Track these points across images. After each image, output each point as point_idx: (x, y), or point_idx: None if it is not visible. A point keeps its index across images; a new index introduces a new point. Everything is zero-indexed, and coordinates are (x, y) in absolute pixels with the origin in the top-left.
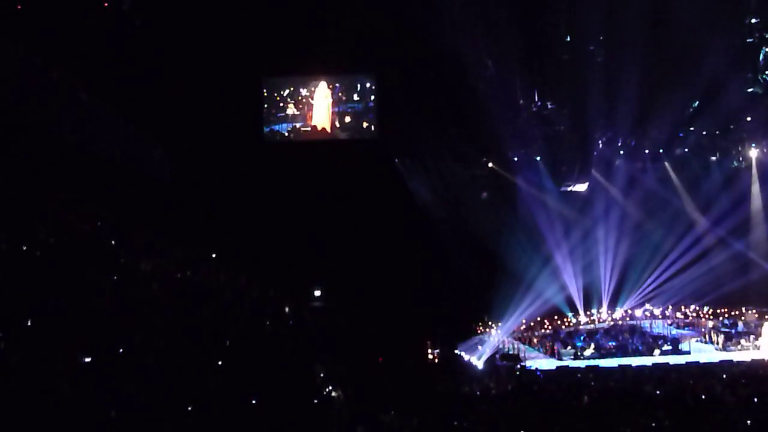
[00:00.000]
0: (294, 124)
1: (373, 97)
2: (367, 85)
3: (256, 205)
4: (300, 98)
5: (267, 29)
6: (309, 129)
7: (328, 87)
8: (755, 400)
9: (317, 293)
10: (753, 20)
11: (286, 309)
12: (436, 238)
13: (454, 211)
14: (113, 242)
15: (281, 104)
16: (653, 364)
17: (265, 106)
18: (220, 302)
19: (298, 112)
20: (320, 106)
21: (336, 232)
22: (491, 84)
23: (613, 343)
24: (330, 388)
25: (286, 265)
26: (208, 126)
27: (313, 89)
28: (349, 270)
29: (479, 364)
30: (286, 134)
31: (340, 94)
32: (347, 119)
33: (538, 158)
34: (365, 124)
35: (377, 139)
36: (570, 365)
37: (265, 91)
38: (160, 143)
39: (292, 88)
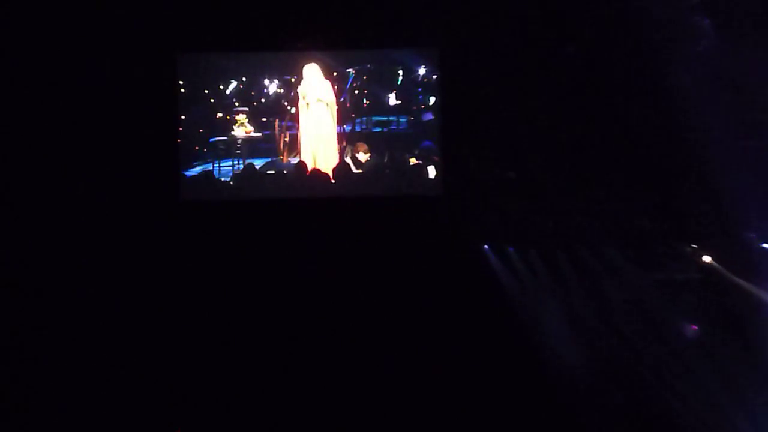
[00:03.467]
0: (251, 160)
1: (432, 101)
2: (420, 71)
3: (163, 332)
4: (263, 100)
5: None
6: (288, 172)
7: (329, 75)
8: None
9: None
10: None
11: None
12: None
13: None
14: None
15: (221, 114)
16: None
17: (183, 118)
18: None
19: (261, 134)
20: (311, 119)
21: (346, 389)
22: (704, 66)
23: None
24: None
25: None
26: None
27: (293, 80)
28: None
29: None
30: (235, 184)
31: (356, 91)
32: (368, 154)
33: None
34: (413, 162)
35: (440, 194)
36: None
37: (183, 84)
38: None
39: (244, 78)
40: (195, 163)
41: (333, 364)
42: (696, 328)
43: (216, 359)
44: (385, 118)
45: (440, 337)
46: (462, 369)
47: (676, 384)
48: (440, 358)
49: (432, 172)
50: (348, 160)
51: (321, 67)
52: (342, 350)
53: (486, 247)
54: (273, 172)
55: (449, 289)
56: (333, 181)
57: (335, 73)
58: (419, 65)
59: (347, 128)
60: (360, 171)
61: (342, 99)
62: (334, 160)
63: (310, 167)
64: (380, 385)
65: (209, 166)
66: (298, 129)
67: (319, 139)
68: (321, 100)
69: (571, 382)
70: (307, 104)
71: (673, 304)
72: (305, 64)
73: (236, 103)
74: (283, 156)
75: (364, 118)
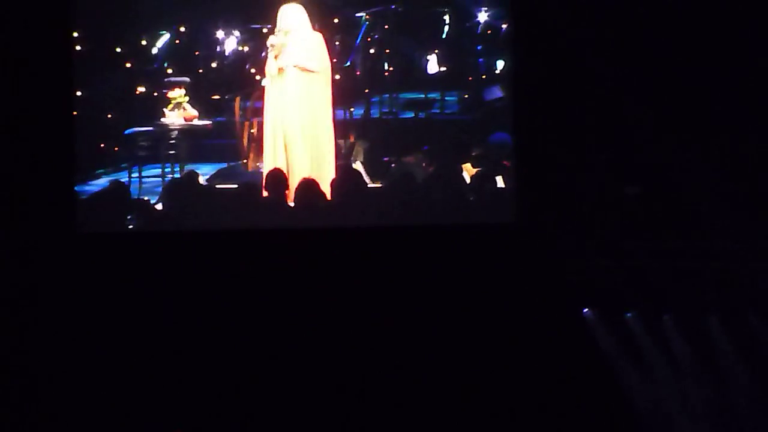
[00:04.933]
0: (194, 166)
1: (500, 66)
2: (480, 16)
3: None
4: (215, 64)
5: None
6: (258, 186)
7: (323, 23)
8: None
9: None
10: None
11: None
12: None
13: None
14: None
15: (144, 89)
16: None
17: (79, 95)
18: None
19: (210, 122)
20: (287, 96)
21: None
22: None
23: None
24: None
25: None
26: None
27: (265, 32)
28: None
29: None
30: (168, 206)
31: (372, 50)
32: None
33: None
34: (470, 169)
35: (513, 222)
36: None
37: (80, 38)
38: None
39: (182, 29)
40: (100, 171)
41: None
42: None
43: None
44: (422, 96)
45: None
46: None
47: None
48: None
49: (501, 185)
50: (358, 166)
51: (309, 10)
52: None
53: (586, 310)
54: (232, 186)
55: (528, 373)
56: (333, 202)
57: (336, 20)
58: (478, 7)
59: (357, 113)
60: (379, 184)
61: (348, 64)
62: (331, 167)
63: (294, 179)
64: None
65: (124, 177)
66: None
67: (303, 130)
68: (304, 68)
69: None
70: (279, 70)
71: None
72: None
73: (169, 70)
74: (248, 159)
75: (386, 96)
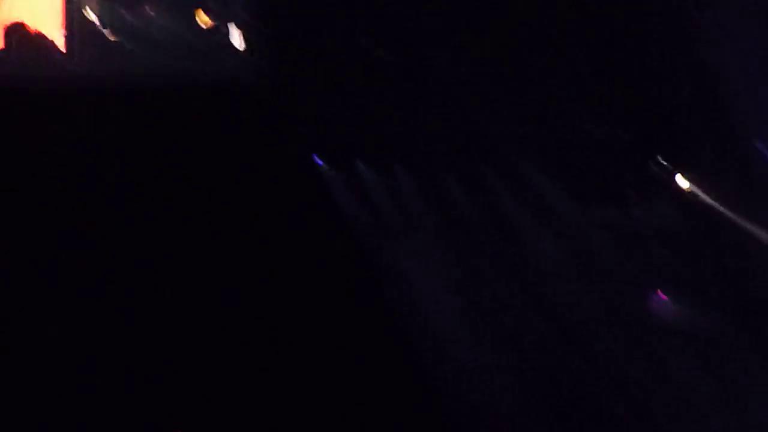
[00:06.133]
0: None
1: None
2: None
3: None
4: None
5: None
6: None
7: None
8: None
9: None
10: None
11: None
12: None
13: None
14: None
15: None
16: None
17: None
18: None
19: None
20: None
21: None
22: None
23: None
24: None
25: None
26: None
27: None
28: None
29: None
30: None
31: None
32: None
33: None
34: (204, 21)
35: (252, 78)
36: None
37: None
38: None
39: None
40: None
41: None
42: (667, 299)
43: None
44: None
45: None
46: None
47: (631, 388)
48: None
49: (237, 40)
50: (90, 15)
51: None
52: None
53: (317, 159)
54: None
55: (271, 229)
56: (66, 55)
57: None
58: None
59: None
60: (112, 36)
61: None
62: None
63: (21, 30)
64: None
65: None
66: None
67: None
68: None
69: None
70: None
71: (631, 259)
72: None
73: None
74: None
75: None
